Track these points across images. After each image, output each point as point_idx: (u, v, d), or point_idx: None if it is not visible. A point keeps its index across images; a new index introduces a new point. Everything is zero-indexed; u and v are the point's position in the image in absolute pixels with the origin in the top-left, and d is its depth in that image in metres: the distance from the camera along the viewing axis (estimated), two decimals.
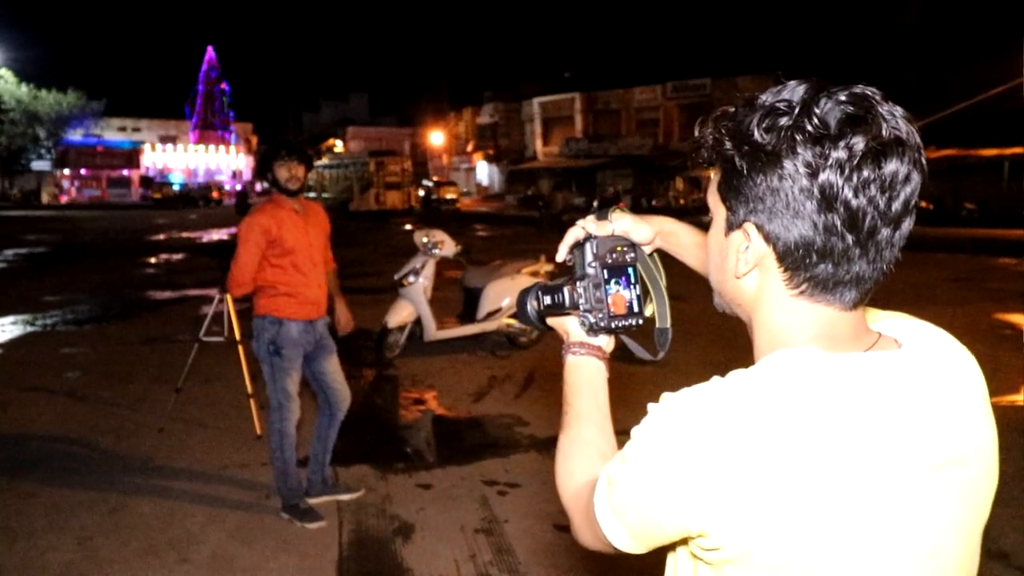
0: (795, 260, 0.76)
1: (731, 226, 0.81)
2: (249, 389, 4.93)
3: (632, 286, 1.03)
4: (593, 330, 1.07)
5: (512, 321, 7.24)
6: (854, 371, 0.74)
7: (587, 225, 1.05)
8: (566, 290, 1.05)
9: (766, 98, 0.76)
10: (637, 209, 36.80)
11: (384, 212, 32.70)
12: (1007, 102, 24.98)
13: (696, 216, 29.26)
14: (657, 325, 1.16)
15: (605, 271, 1.01)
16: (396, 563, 3.33)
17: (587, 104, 45.29)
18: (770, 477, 0.69)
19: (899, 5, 32.20)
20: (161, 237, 22.63)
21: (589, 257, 1.02)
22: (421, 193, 39.11)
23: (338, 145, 58.53)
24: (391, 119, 67.09)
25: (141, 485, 4.13)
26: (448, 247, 7.09)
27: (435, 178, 46.52)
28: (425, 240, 7.04)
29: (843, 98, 0.73)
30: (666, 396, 0.80)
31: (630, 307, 1.04)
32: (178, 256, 17.00)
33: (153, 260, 16.18)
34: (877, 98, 0.73)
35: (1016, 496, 3.88)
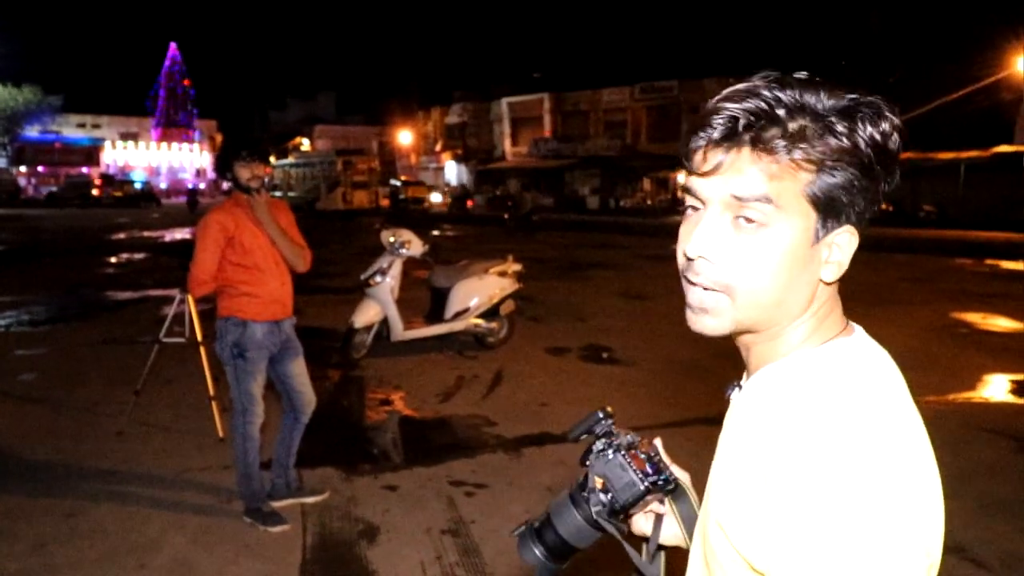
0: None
1: (824, 232, 0.75)
2: (211, 391, 4.84)
3: (651, 459, 0.96)
4: (624, 508, 0.93)
5: (480, 321, 7.23)
6: (883, 357, 0.79)
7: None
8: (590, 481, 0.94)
9: (827, 99, 0.73)
10: (606, 208, 36.96)
11: (351, 211, 32.44)
12: (964, 107, 25.66)
13: (662, 216, 29.56)
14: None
15: (621, 453, 0.94)
16: (361, 566, 3.29)
17: (556, 105, 45.46)
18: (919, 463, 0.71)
19: (863, 12, 32.84)
20: (122, 236, 22.16)
21: (600, 444, 0.95)
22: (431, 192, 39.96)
23: (305, 144, 57.91)
24: (359, 118, 66.56)
25: (99, 490, 4.03)
26: (415, 247, 7.04)
27: (403, 177, 46.30)
28: (392, 239, 6.99)
29: (878, 99, 0.75)
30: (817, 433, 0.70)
31: (655, 467, 0.94)
32: (139, 255, 16.66)
33: (113, 259, 15.84)
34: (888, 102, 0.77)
35: (971, 489, 3.97)
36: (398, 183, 42.24)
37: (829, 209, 0.74)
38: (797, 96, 0.73)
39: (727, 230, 0.75)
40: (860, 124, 0.72)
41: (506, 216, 25.66)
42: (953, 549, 3.34)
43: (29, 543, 3.42)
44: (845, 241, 0.77)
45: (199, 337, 5.03)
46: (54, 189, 47.00)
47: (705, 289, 0.78)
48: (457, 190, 42.02)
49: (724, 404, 0.90)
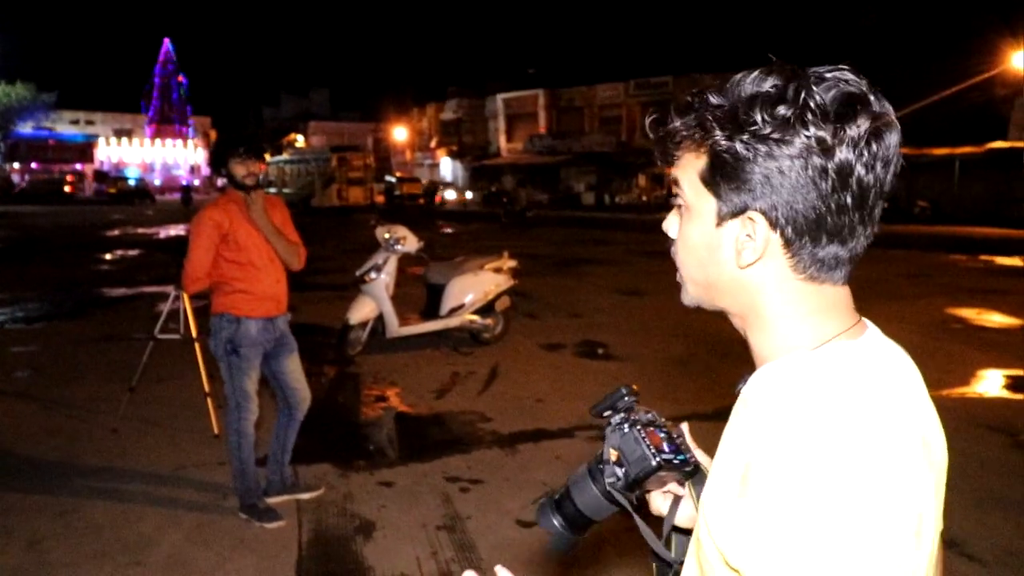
0: (803, 243, 0.75)
1: (724, 216, 0.77)
2: (206, 387, 4.83)
3: (670, 438, 0.95)
4: (636, 482, 0.92)
5: (475, 317, 7.22)
6: (894, 355, 0.80)
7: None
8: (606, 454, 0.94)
9: (748, 87, 0.74)
10: (601, 204, 36.88)
11: (346, 208, 32.36)
12: (959, 103, 25.73)
13: (657, 212, 29.55)
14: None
15: (637, 428, 0.94)
16: (357, 562, 3.29)
17: (551, 101, 45.41)
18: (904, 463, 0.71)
19: (857, 9, 32.90)
20: (116, 232, 22.08)
21: (618, 419, 0.95)
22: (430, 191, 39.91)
23: (299, 140, 57.76)
24: (354, 114, 66.45)
25: (94, 487, 4.02)
26: (410, 243, 7.04)
27: (398, 174, 46.22)
28: (387, 236, 6.98)
29: (832, 76, 0.73)
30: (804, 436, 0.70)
31: (672, 446, 0.94)
32: (133, 252, 16.61)
33: (108, 256, 15.78)
34: (857, 74, 0.75)
35: (966, 484, 3.99)
36: (393, 179, 42.18)
37: (719, 187, 0.77)
38: (715, 91, 0.77)
39: (676, 214, 0.86)
40: (735, 89, 0.76)
41: (501, 213, 25.66)
42: (947, 544, 3.36)
43: (24, 540, 3.41)
44: (752, 228, 0.76)
45: (194, 333, 5.01)
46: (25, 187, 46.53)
47: (676, 264, 0.86)
48: (429, 185, 41.60)
49: (724, 399, 0.90)
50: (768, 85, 0.73)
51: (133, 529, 3.54)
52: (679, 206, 0.83)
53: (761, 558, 0.67)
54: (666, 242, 0.87)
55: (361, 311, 6.78)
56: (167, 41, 61.96)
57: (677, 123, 0.79)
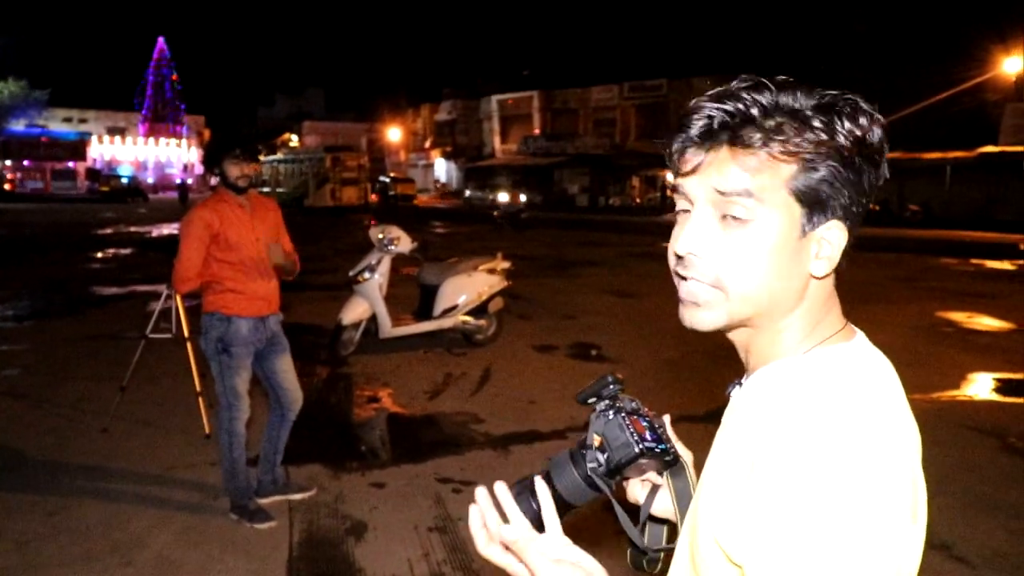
0: (849, 247, 0.78)
1: (810, 226, 0.76)
2: (198, 387, 4.81)
3: (652, 427, 0.96)
4: (618, 468, 0.92)
5: (468, 318, 7.22)
6: (883, 363, 0.80)
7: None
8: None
9: (808, 99, 0.75)
10: (595, 206, 36.83)
11: (340, 208, 32.30)
12: (950, 108, 25.88)
13: (651, 214, 29.62)
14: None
15: (621, 415, 0.94)
16: (348, 563, 3.28)
17: (545, 102, 45.46)
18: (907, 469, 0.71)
19: (850, 13, 33.06)
20: (108, 231, 21.98)
21: (602, 406, 0.96)
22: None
23: (293, 140, 57.67)
24: (348, 114, 66.33)
25: (83, 487, 3.99)
26: (404, 243, 7.03)
27: (392, 174, 46.16)
28: (381, 236, 6.97)
29: (853, 98, 0.76)
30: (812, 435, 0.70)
31: (655, 435, 0.94)
32: (125, 250, 16.53)
33: (99, 255, 15.71)
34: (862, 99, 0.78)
35: (956, 487, 4.01)
36: (387, 180, 42.10)
37: (813, 202, 0.75)
38: (772, 96, 0.75)
39: (715, 227, 0.77)
40: (838, 118, 0.74)
41: (495, 214, 25.66)
42: (938, 546, 3.37)
43: (12, 541, 3.39)
44: (834, 236, 0.77)
45: (186, 333, 4.99)
46: None
47: (698, 284, 0.79)
48: (378, 184, 40.85)
49: (716, 402, 0.91)
50: (824, 100, 0.75)
51: (123, 529, 3.53)
52: (728, 216, 0.76)
53: (765, 553, 0.68)
54: (679, 261, 0.80)
55: (354, 311, 6.77)
56: (161, 39, 61.78)
57: (770, 123, 0.74)
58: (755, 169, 0.74)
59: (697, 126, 0.76)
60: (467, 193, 42.57)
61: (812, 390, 0.74)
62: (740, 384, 0.87)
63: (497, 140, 48.17)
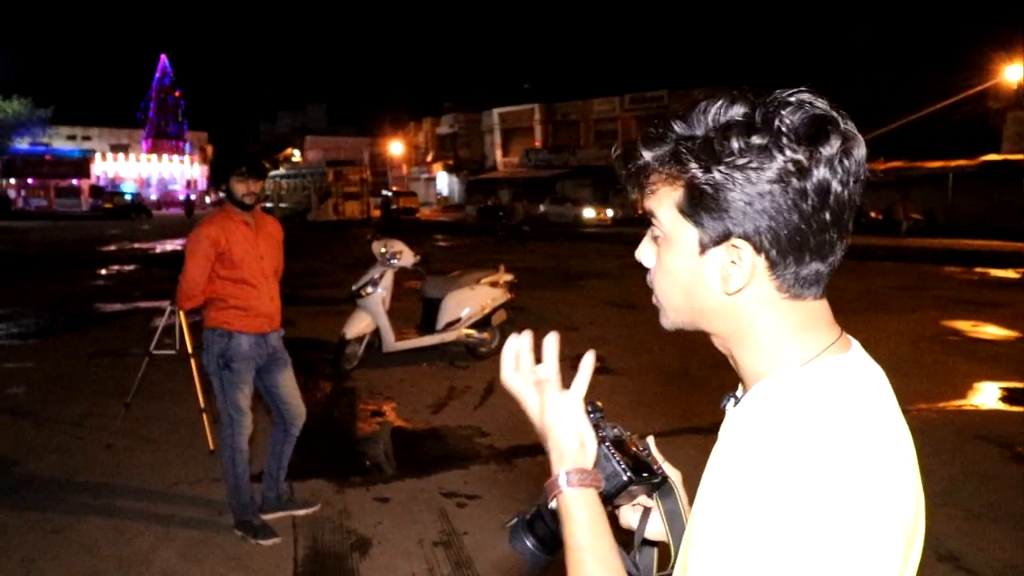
0: (788, 264, 0.76)
1: (707, 245, 0.78)
2: (201, 403, 4.81)
3: (637, 453, 0.97)
4: (608, 498, 0.93)
5: (471, 331, 7.21)
6: (876, 373, 0.80)
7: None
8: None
9: (715, 115, 0.75)
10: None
11: (343, 222, 32.38)
12: (952, 116, 25.91)
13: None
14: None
15: (606, 444, 0.95)
16: None
17: (546, 115, 45.63)
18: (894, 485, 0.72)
19: (852, 22, 33.19)
20: (112, 247, 22.05)
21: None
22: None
23: (296, 155, 57.91)
24: (350, 129, 66.65)
25: (88, 504, 3.99)
26: (407, 257, 7.04)
27: (394, 188, 46.30)
28: (383, 250, 6.98)
29: (796, 99, 0.74)
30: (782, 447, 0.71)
31: (640, 460, 0.95)
32: (129, 267, 16.58)
33: (103, 271, 15.75)
34: (817, 95, 0.76)
35: (963, 497, 3.98)
36: (389, 194, 42.21)
37: (699, 218, 0.77)
38: (659, 128, 0.80)
39: (651, 243, 0.85)
40: (704, 119, 0.77)
41: (497, 227, 25.70)
42: (946, 557, 3.34)
43: (17, 559, 3.38)
44: (735, 254, 0.77)
45: (190, 349, 5.00)
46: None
47: (653, 292, 0.87)
48: (380, 198, 40.46)
49: (720, 413, 0.90)
50: (737, 112, 0.75)
51: (127, 546, 3.52)
52: (655, 236, 0.84)
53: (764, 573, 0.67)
54: (642, 270, 0.88)
55: (357, 325, 6.77)
56: (164, 57, 62.20)
57: (648, 157, 0.80)
58: (654, 192, 0.81)
59: (634, 158, 0.82)
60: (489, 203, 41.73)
61: (806, 408, 0.74)
62: (735, 398, 0.88)
63: (499, 153, 48.32)
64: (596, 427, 0.96)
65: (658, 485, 0.97)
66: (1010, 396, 6.15)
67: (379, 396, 6.12)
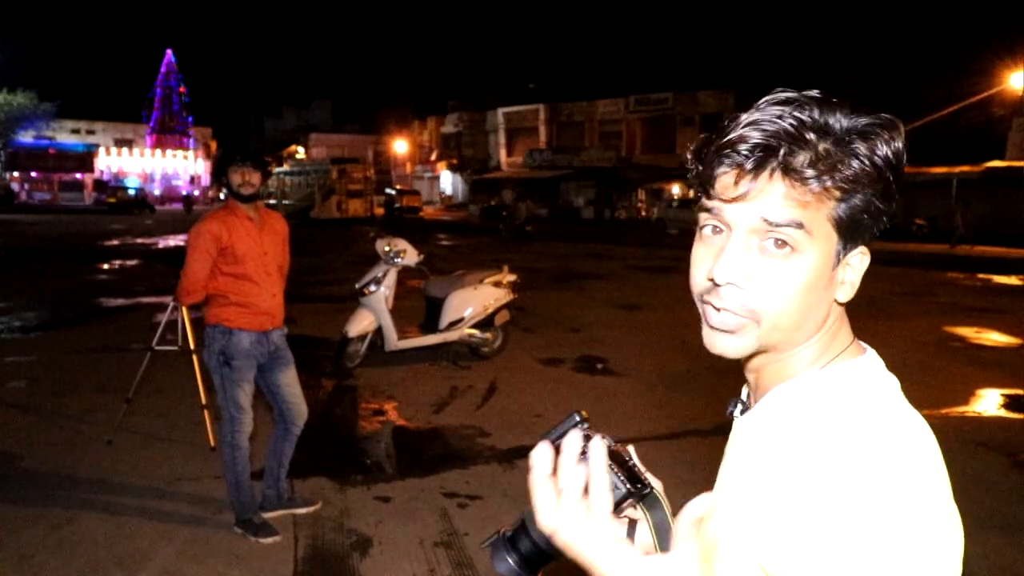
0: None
1: (844, 254, 0.76)
2: (203, 399, 4.80)
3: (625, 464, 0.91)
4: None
5: (474, 331, 7.20)
6: (890, 378, 0.80)
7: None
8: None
9: (858, 122, 0.74)
10: (600, 220, 36.68)
11: (346, 220, 32.39)
12: (956, 122, 25.86)
13: (656, 227, 29.62)
14: None
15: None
16: None
17: (551, 115, 45.61)
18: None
19: (857, 27, 33.12)
20: (115, 242, 22.07)
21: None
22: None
23: (300, 152, 57.89)
24: (354, 127, 66.64)
25: (87, 500, 3.98)
26: (410, 256, 7.03)
27: (398, 186, 46.31)
28: (387, 249, 6.97)
29: (873, 117, 0.75)
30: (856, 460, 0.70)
31: (629, 472, 0.90)
32: (132, 262, 16.59)
33: (105, 266, 15.76)
34: None
35: (965, 505, 3.96)
36: (393, 192, 42.23)
37: (851, 232, 0.75)
38: (817, 117, 0.73)
39: (755, 256, 0.75)
40: (879, 146, 0.73)
41: (501, 226, 25.69)
42: None
43: (16, 554, 3.38)
44: (858, 261, 0.78)
45: (192, 345, 4.99)
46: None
47: (732, 314, 0.77)
48: (384, 196, 40.01)
49: (723, 416, 0.89)
50: (863, 124, 0.74)
51: (127, 543, 3.51)
52: (776, 247, 0.74)
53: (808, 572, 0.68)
54: (713, 290, 0.77)
55: (360, 324, 6.76)
56: (169, 52, 62.27)
57: (810, 166, 0.72)
58: (807, 202, 0.72)
59: (747, 155, 0.72)
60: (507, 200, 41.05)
61: (838, 411, 0.74)
62: (742, 403, 0.87)
63: (503, 153, 48.31)
64: (586, 438, 0.93)
65: (646, 496, 0.95)
66: (1012, 403, 6.13)
67: (381, 395, 6.11)
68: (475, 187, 47.17)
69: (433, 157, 53.92)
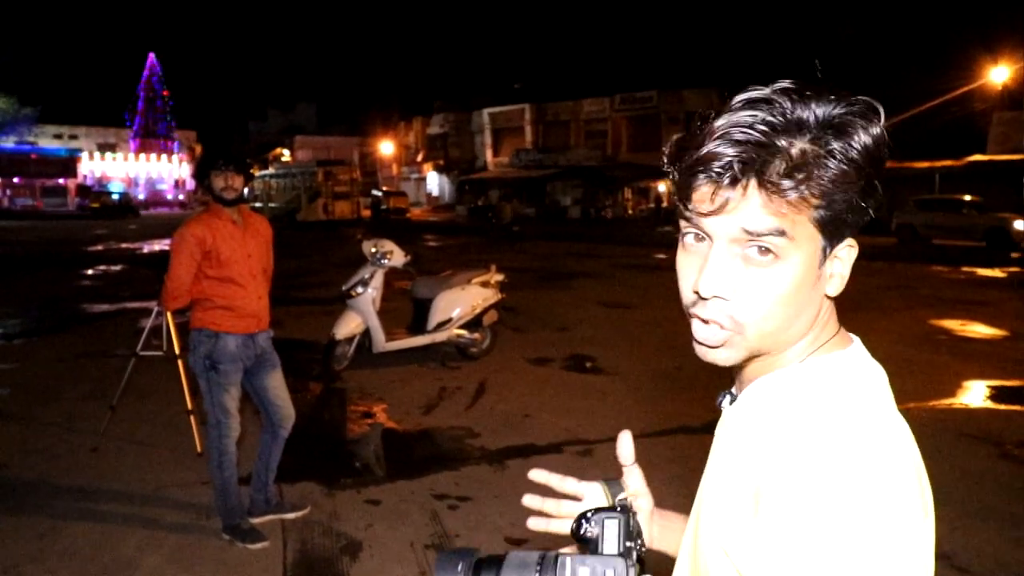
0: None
1: (832, 251, 0.75)
2: (189, 405, 4.76)
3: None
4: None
5: (462, 331, 7.18)
6: (879, 371, 0.79)
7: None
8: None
9: (834, 113, 0.71)
10: (587, 217, 36.80)
11: (333, 222, 32.27)
12: (938, 117, 26.09)
13: (644, 226, 29.70)
14: None
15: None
16: None
17: (537, 115, 45.64)
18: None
19: (838, 21, 33.40)
20: (99, 247, 21.87)
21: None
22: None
23: (285, 154, 57.63)
24: (340, 128, 66.39)
25: (72, 508, 3.93)
26: (397, 257, 7.00)
27: (384, 188, 46.18)
28: (373, 250, 6.94)
29: (850, 105, 0.73)
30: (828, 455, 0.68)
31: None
32: (116, 267, 16.44)
33: (90, 271, 15.61)
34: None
35: (954, 496, 3.99)
36: (380, 194, 42.12)
37: (835, 230, 0.74)
38: (790, 115, 0.71)
39: (738, 266, 0.74)
40: (856, 138, 0.71)
41: (488, 227, 25.69)
42: (938, 556, 3.33)
43: (0, 565, 3.33)
44: (846, 254, 0.77)
45: (177, 350, 4.94)
46: None
47: (718, 328, 0.76)
48: (370, 198, 39.68)
49: (712, 413, 0.88)
50: (839, 114, 0.72)
51: (113, 551, 3.47)
52: (759, 256, 0.72)
53: (782, 567, 0.67)
54: (700, 303, 0.76)
55: (347, 326, 6.72)
56: (152, 55, 61.76)
57: (787, 178, 0.70)
58: (785, 211, 0.71)
59: (721, 172, 0.71)
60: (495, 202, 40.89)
61: (814, 400, 0.74)
62: (731, 395, 0.86)
63: (489, 153, 48.29)
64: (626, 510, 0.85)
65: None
66: (1000, 394, 6.18)
67: (369, 397, 6.08)
68: (462, 188, 47.12)
69: (419, 158, 53.81)
